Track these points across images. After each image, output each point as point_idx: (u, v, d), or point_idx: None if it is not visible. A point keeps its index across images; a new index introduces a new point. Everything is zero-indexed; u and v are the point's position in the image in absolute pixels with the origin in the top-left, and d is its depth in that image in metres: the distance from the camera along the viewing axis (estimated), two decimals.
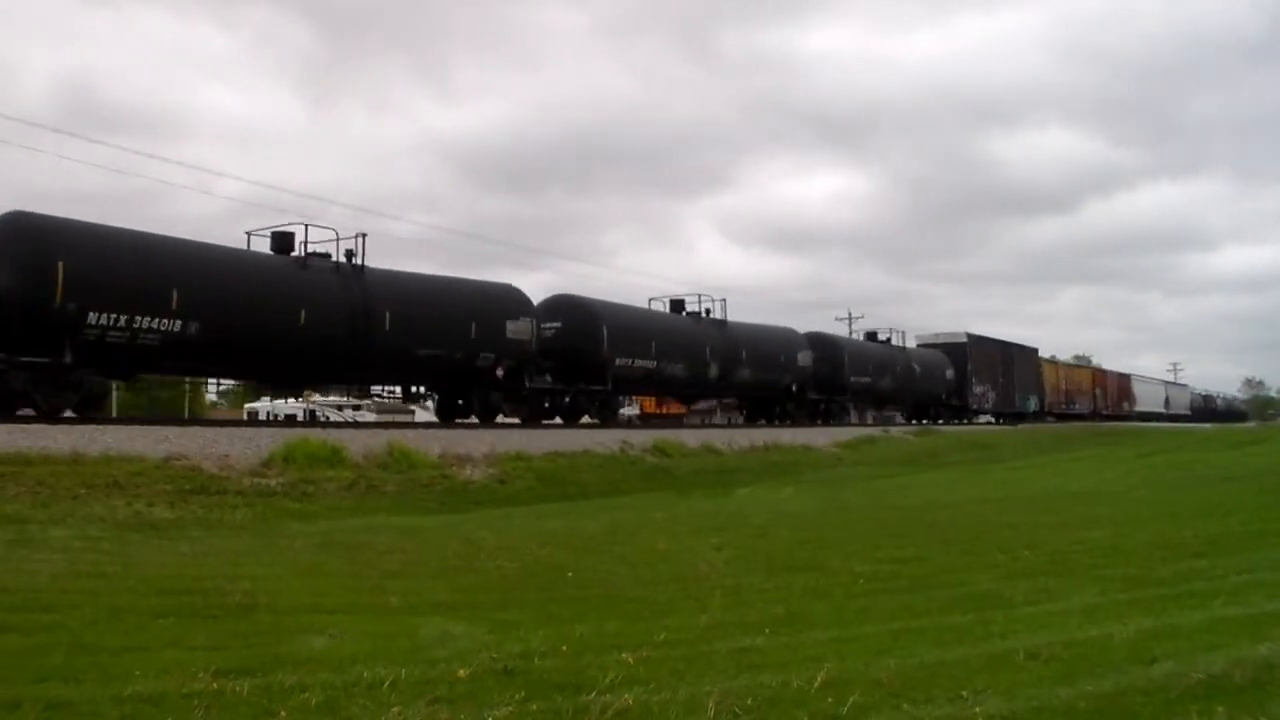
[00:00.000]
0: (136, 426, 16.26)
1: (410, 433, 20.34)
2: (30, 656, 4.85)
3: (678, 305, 32.07)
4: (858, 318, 60.32)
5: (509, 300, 24.92)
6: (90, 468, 13.50)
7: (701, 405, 38.29)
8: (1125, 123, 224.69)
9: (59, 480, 12.77)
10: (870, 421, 41.19)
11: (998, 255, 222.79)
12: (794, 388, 34.86)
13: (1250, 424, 79.29)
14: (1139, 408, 75.79)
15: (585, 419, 27.41)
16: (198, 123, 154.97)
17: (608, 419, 27.85)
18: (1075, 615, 6.01)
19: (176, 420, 19.87)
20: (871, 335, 43.53)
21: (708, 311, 32.05)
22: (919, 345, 46.99)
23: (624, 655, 4.96)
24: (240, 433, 17.32)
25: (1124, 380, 75.66)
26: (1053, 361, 60.98)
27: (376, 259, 22.40)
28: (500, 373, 23.89)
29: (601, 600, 6.85)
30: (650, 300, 31.99)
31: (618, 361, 26.96)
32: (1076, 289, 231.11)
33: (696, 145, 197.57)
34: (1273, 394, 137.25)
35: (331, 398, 39.36)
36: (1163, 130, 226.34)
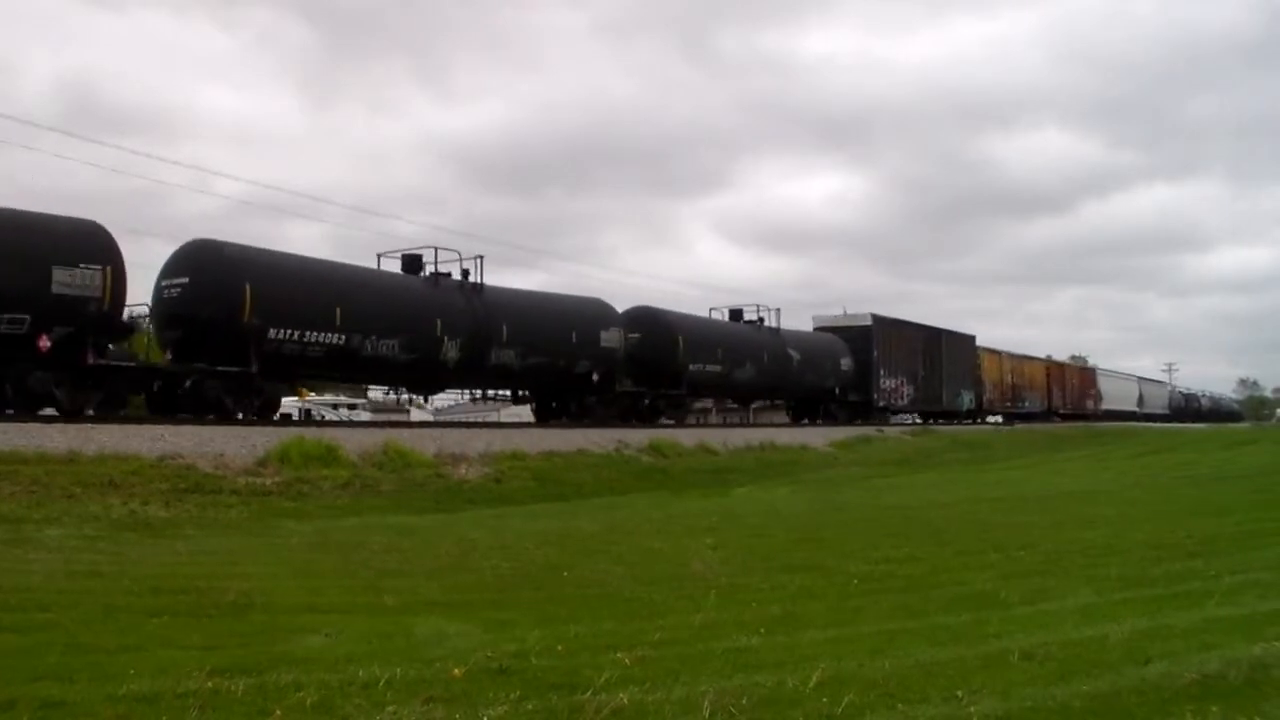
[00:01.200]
0: (132, 426, 16.23)
1: (406, 432, 20.35)
2: (25, 656, 4.84)
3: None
4: None
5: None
6: (86, 467, 13.47)
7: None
8: (1122, 124, 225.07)
9: (54, 479, 12.74)
10: (714, 419, 40.12)
11: (995, 256, 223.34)
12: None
13: (1245, 424, 79.15)
14: (1106, 406, 68.28)
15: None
16: (197, 123, 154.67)
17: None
18: (1070, 615, 6.02)
19: (172, 419, 19.78)
20: (736, 314, 35.17)
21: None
22: (816, 329, 40.15)
23: (619, 655, 4.96)
24: (236, 432, 17.29)
25: (1087, 374, 68.71)
26: (995, 352, 52.13)
27: (376, 258, 22.91)
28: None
29: (597, 600, 6.85)
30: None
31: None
32: (1073, 289, 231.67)
33: (695, 146, 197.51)
34: (1267, 394, 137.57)
35: (327, 396, 39.33)
36: (1159, 132, 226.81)
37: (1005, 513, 12.40)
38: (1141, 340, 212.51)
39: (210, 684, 4.31)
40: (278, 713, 4.00)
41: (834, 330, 39.50)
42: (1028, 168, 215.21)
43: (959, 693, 4.31)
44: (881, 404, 40.19)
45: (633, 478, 20.44)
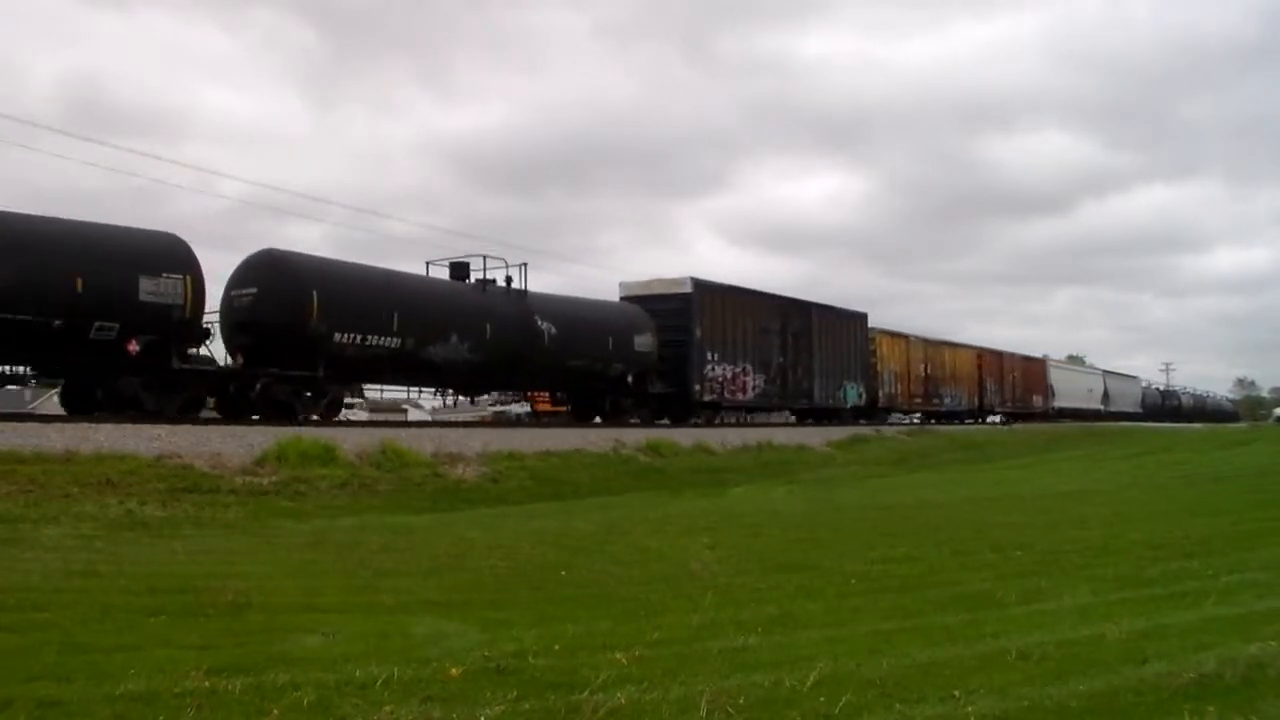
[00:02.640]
0: (129, 425, 16.21)
1: (403, 431, 20.34)
2: (22, 655, 4.83)
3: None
4: None
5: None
6: (83, 466, 13.45)
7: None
8: (1120, 126, 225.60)
9: (51, 479, 12.72)
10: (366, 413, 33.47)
11: (993, 256, 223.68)
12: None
13: (1241, 424, 78.86)
14: (1061, 403, 60.23)
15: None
16: (200, 123, 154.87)
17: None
18: (1067, 615, 6.02)
19: (169, 419, 19.74)
20: (459, 269, 24.64)
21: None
22: (622, 298, 30.25)
23: (617, 654, 4.96)
24: (233, 431, 17.27)
25: (1035, 366, 58.98)
26: (898, 335, 42.61)
27: (376, 259, 23.43)
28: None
29: (594, 599, 6.85)
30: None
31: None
32: (1071, 290, 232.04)
33: (695, 147, 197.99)
34: (1264, 394, 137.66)
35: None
36: (1157, 133, 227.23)
37: (1002, 512, 12.40)
38: (1139, 340, 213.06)
39: (207, 683, 4.30)
40: (275, 712, 3.99)
41: (641, 300, 29.58)
42: (1026, 169, 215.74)
43: (956, 692, 4.31)
44: (708, 398, 30.05)
45: (630, 477, 20.43)
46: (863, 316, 39.52)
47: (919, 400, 44.03)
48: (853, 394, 37.96)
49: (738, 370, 31.45)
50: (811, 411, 36.44)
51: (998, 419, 51.07)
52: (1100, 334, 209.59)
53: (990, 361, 51.56)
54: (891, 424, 40.34)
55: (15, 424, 14.89)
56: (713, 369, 30.31)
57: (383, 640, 5.37)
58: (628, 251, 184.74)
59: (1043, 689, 4.36)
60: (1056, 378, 60.72)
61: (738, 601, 6.64)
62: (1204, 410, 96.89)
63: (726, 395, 30.97)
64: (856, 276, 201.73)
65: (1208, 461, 21.67)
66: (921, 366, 43.95)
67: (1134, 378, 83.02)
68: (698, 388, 29.65)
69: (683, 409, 30.10)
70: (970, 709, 4.07)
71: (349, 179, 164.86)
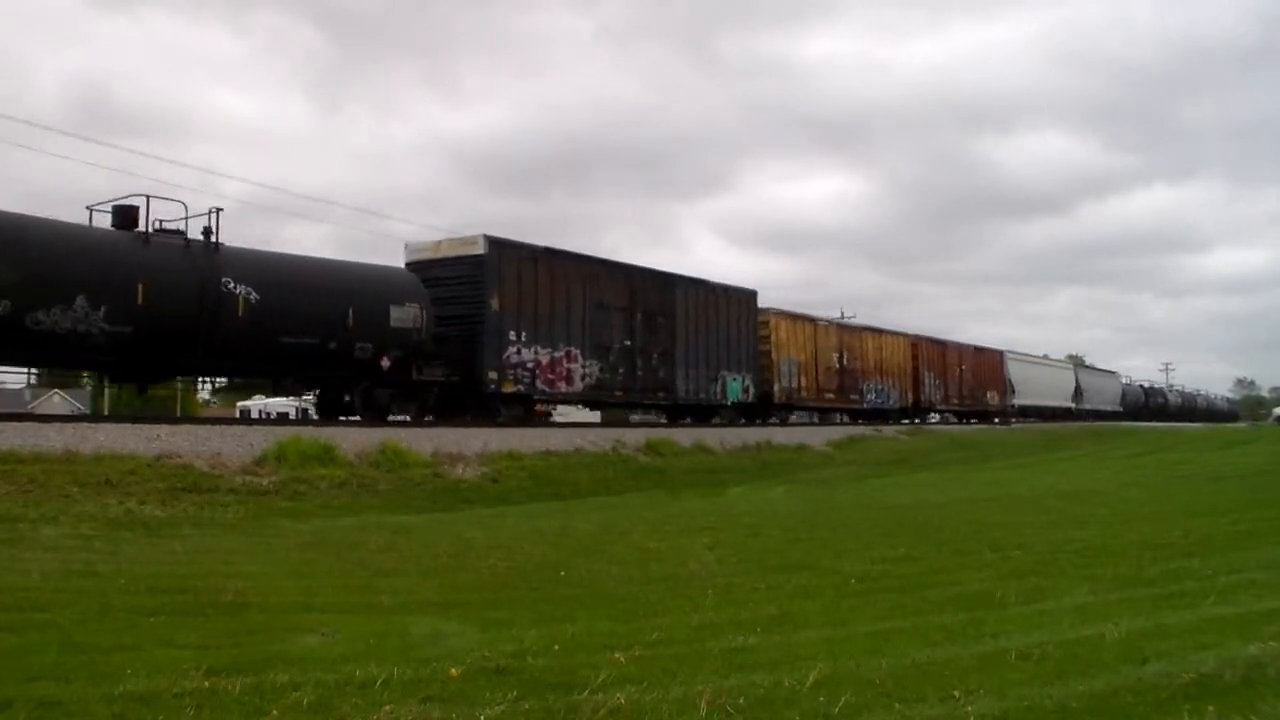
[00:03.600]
0: (129, 425, 16.21)
1: (403, 431, 20.29)
2: (21, 655, 4.83)
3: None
4: (850, 316, 46.95)
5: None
6: (82, 466, 13.45)
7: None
8: (1120, 127, 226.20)
9: (50, 478, 12.72)
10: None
11: (993, 257, 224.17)
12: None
13: (1241, 424, 78.61)
14: (1023, 401, 53.33)
15: None
16: (206, 125, 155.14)
17: None
18: (1067, 615, 6.02)
19: (168, 419, 19.73)
20: (124, 214, 18.10)
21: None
22: (408, 264, 23.90)
23: (616, 654, 4.96)
24: (232, 431, 17.26)
25: (988, 359, 50.83)
26: (803, 319, 35.60)
27: (379, 260, 22.26)
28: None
29: (594, 599, 6.85)
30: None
31: None
32: (1071, 290, 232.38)
33: (696, 148, 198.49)
34: (1264, 394, 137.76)
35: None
36: (1157, 135, 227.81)
37: (1001, 512, 12.41)
38: (1139, 341, 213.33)
39: (207, 683, 4.30)
40: (274, 712, 3.99)
41: (423, 267, 23.46)
42: (1026, 170, 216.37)
43: (956, 692, 4.31)
44: (514, 388, 23.41)
45: (629, 477, 20.44)
46: (751, 294, 32.65)
47: (831, 395, 36.87)
48: (735, 387, 31.02)
49: (558, 355, 24.55)
50: (678, 409, 30.14)
51: (936, 418, 45.08)
52: (1100, 334, 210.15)
53: (930, 352, 44.69)
54: (794, 422, 35.49)
55: (15, 424, 14.87)
56: (518, 352, 23.47)
57: (382, 640, 5.37)
58: (630, 252, 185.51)
59: (1042, 689, 4.36)
60: (1016, 372, 53.45)
61: (737, 601, 6.64)
62: (1194, 409, 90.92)
63: (541, 386, 24.15)
64: (857, 277, 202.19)
65: (1207, 461, 21.68)
66: (835, 356, 36.88)
67: (1112, 373, 77.56)
68: (493, 375, 22.74)
69: (475, 402, 23.37)
70: (970, 709, 4.08)
71: (352, 180, 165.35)
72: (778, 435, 29.74)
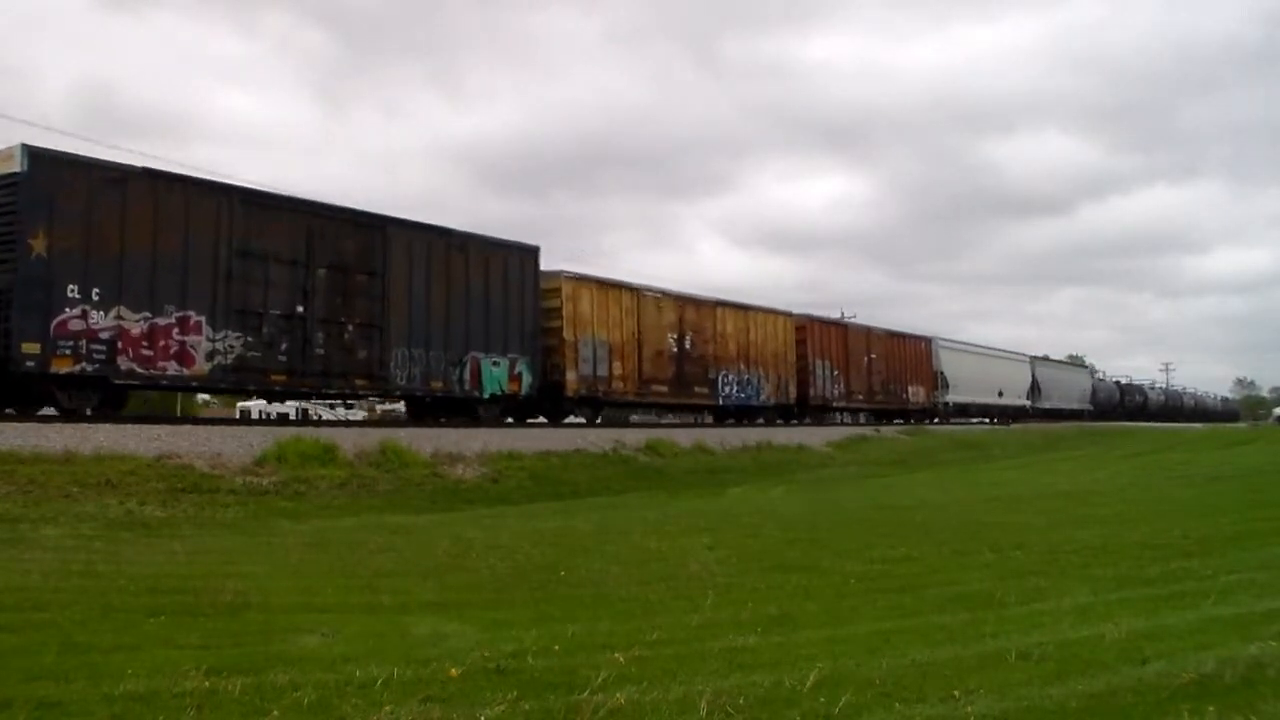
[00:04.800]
0: (129, 425, 16.20)
1: (403, 431, 20.31)
2: (21, 655, 4.83)
3: None
4: (850, 316, 43.82)
5: None
6: (82, 466, 13.45)
7: None
8: (1121, 129, 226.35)
9: (51, 479, 12.72)
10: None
11: (994, 257, 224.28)
12: None
13: (1241, 424, 78.34)
14: (959, 397, 45.37)
15: None
16: (212, 126, 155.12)
17: None
18: (1066, 615, 6.02)
19: (169, 419, 19.72)
20: None
21: None
22: None
23: (616, 654, 4.96)
24: (232, 431, 17.27)
25: (914, 346, 42.75)
26: (613, 287, 27.51)
27: None
28: None
29: (594, 599, 6.84)
30: None
31: None
32: (1072, 290, 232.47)
33: (700, 149, 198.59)
34: (1264, 394, 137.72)
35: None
36: (1158, 136, 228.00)
37: (1001, 512, 12.40)
38: (1139, 341, 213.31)
39: (207, 683, 4.30)
40: (275, 712, 3.99)
41: None
42: (1028, 171, 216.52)
43: (956, 692, 4.31)
44: (80, 366, 16.29)
45: (629, 477, 20.44)
46: (529, 250, 24.80)
47: (662, 389, 28.90)
48: (496, 376, 23.63)
49: (168, 322, 17.60)
50: (414, 400, 23.94)
51: (844, 419, 38.40)
52: (1100, 334, 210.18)
53: (822, 335, 36.41)
54: (731, 425, 30.95)
55: (15, 424, 14.87)
56: (83, 315, 16.48)
57: (382, 640, 5.37)
58: (633, 252, 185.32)
59: (1042, 689, 4.36)
60: (950, 363, 44.95)
61: (737, 601, 6.64)
62: (1179, 409, 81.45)
63: (129, 365, 17.05)
64: (859, 277, 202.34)
65: (1207, 461, 21.66)
66: (672, 338, 29.05)
67: (1081, 367, 70.00)
68: (38, 348, 15.85)
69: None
70: (970, 709, 4.07)
71: (359, 181, 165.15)
72: (778, 436, 29.75)
